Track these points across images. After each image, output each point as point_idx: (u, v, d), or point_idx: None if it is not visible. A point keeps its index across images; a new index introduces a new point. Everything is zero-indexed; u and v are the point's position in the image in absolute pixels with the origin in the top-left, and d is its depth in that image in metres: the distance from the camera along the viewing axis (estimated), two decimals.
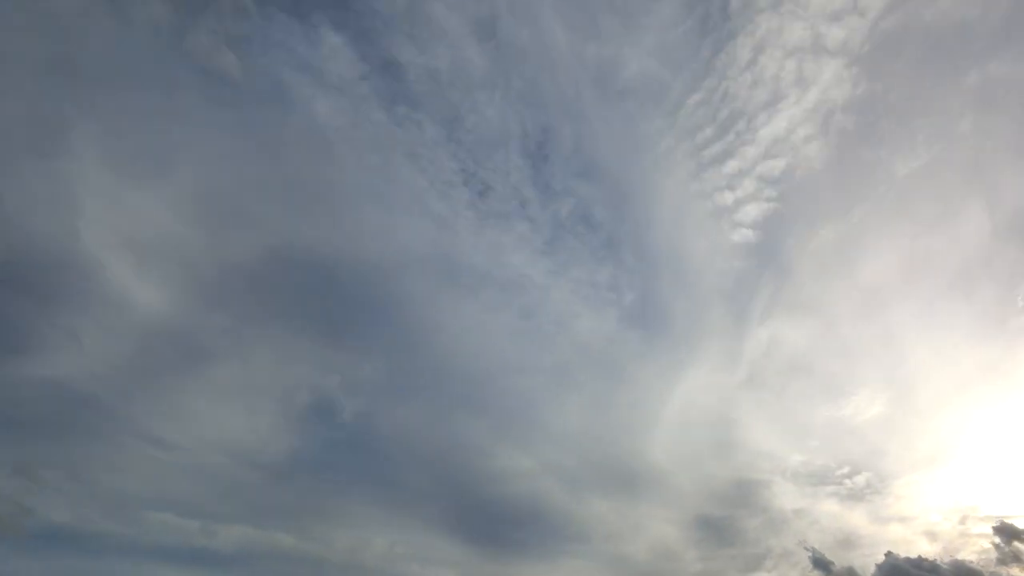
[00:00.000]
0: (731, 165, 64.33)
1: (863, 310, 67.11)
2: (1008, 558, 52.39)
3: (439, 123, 57.67)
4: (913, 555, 59.20)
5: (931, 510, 61.77)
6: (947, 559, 54.56)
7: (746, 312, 67.93)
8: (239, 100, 49.05)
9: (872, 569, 58.28)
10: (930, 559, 54.81)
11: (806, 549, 56.73)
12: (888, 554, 55.44)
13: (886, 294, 66.92)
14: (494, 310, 62.23)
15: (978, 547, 57.47)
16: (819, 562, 55.89)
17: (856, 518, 62.85)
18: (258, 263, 50.79)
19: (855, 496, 62.52)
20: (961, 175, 62.31)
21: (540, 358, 63.71)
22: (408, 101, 55.93)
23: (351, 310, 56.85)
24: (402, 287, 58.70)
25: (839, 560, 61.30)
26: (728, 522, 63.54)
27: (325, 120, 52.78)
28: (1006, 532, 53.43)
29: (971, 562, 53.84)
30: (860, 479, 62.58)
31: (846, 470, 62.90)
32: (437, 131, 57.66)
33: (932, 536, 60.29)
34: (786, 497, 63.50)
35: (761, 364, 67.10)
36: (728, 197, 65.26)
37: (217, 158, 48.94)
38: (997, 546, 53.36)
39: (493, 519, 58.21)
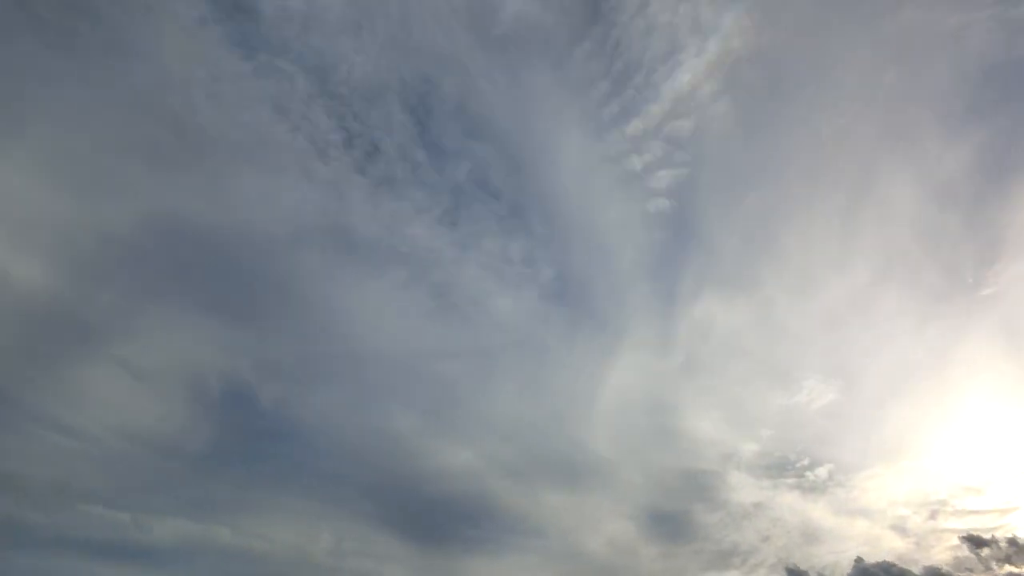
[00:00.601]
0: (635, 125, 58.98)
1: (798, 289, 64.82)
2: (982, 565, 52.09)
3: (309, 74, 50.95)
4: (883, 550, 58.53)
5: (898, 504, 60.77)
6: (921, 568, 54.10)
7: (673, 291, 65.16)
8: (86, 49, 43.03)
9: (841, 566, 57.61)
10: (900, 566, 54.52)
11: (788, 569, 55.83)
12: (858, 560, 54.97)
13: (819, 271, 64.87)
14: (403, 288, 57.31)
15: (951, 544, 56.76)
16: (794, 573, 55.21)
17: (819, 512, 61.11)
18: (137, 234, 45.67)
19: (817, 489, 61.14)
20: (887, 136, 59.16)
21: (459, 340, 59.45)
22: (268, 48, 49.25)
23: (247, 286, 51.51)
24: (298, 261, 53.80)
25: (805, 556, 59.18)
26: (685, 516, 61.98)
27: (179, 71, 46.66)
28: (973, 541, 53.15)
29: (945, 569, 53.46)
30: (822, 471, 61.05)
31: (806, 461, 61.47)
32: (308, 83, 50.94)
33: (902, 531, 59.27)
34: (744, 490, 61.86)
35: (697, 348, 64.86)
36: (636, 162, 60.41)
37: (70, 115, 43.05)
38: (977, 555, 52.84)
39: (438, 512, 55.66)
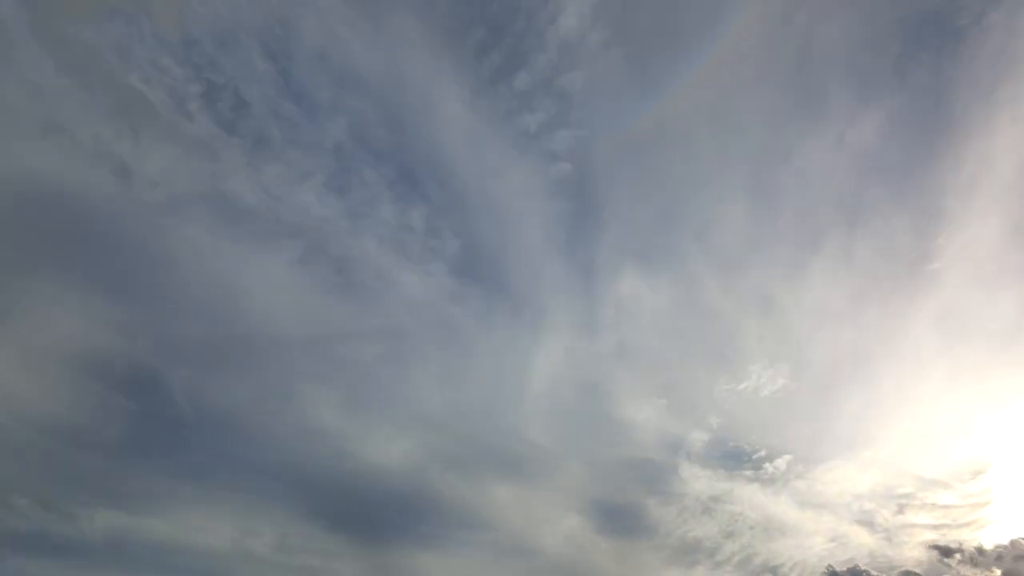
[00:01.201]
0: (522, 78, 53.00)
1: (723, 266, 61.41)
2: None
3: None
4: (852, 546, 56.32)
5: (862, 497, 58.55)
6: (896, 574, 52.53)
7: (590, 266, 60.02)
8: None
9: (809, 564, 55.94)
10: (872, 573, 53.02)
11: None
12: (828, 568, 53.84)
13: (743, 247, 61.14)
14: (300, 264, 52.03)
15: (923, 539, 55.12)
16: None
17: (782, 506, 58.34)
18: None
19: (777, 481, 58.58)
20: (796, 93, 54.64)
21: (370, 321, 54.56)
22: None
23: (127, 261, 46.15)
24: (178, 232, 48.02)
25: (772, 553, 56.97)
26: (638, 510, 59.16)
27: None
28: (942, 551, 52.22)
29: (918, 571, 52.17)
30: (780, 463, 58.46)
31: (763, 453, 58.77)
32: (151, 25, 43.52)
33: (870, 526, 57.23)
34: (699, 483, 59.14)
35: (626, 330, 60.49)
36: (529, 120, 54.30)
37: None
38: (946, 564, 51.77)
39: (381, 507, 52.58)
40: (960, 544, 52.00)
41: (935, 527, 55.69)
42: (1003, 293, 55.14)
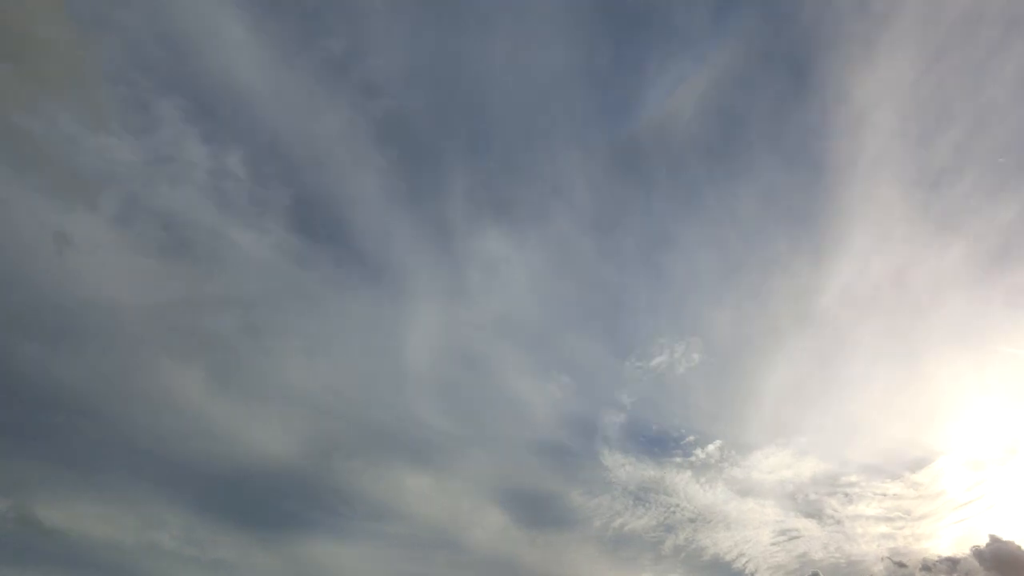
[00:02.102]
0: None
1: (595, 226, 56.54)
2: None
3: None
4: (804, 538, 53.24)
5: (806, 487, 55.42)
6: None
7: (444, 224, 52.29)
8: None
9: (755, 559, 52.98)
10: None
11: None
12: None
13: (615, 202, 56.90)
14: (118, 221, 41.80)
15: (881, 531, 52.75)
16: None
17: (720, 495, 54.60)
18: None
19: (710, 468, 55.17)
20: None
21: (210, 286, 44.81)
22: None
23: None
24: None
25: (719, 546, 53.32)
26: (560, 499, 54.87)
27: None
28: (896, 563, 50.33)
29: None
30: (712, 449, 55.24)
31: (691, 438, 55.41)
32: None
33: (818, 517, 54.40)
34: (624, 470, 55.24)
35: (500, 297, 54.86)
36: (331, 44, 44.83)
37: None
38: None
39: (280, 496, 47.35)
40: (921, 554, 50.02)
41: (888, 519, 53.24)
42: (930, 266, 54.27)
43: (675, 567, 52.38)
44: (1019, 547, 43.36)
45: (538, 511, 53.23)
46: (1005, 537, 45.70)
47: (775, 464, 54.35)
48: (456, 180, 51.81)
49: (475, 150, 52.31)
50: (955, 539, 50.80)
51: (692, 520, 53.52)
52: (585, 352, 56.85)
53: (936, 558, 48.86)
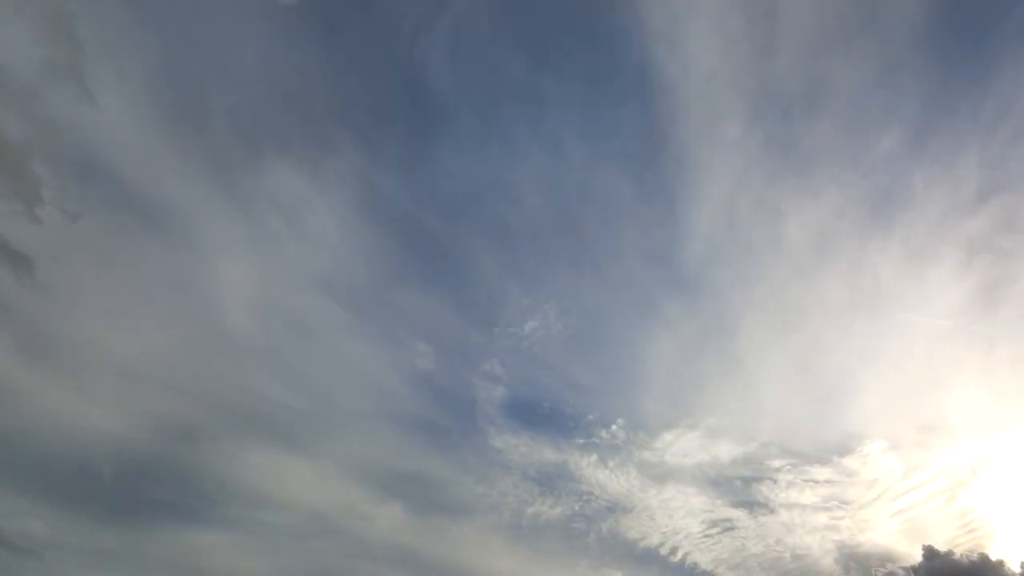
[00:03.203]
0: None
1: (401, 159, 49.58)
2: None
3: None
4: (741, 528, 49.25)
5: (728, 472, 51.29)
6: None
7: (215, 151, 42.21)
8: None
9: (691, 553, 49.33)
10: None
11: None
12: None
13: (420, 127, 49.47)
14: None
15: (817, 523, 48.68)
16: None
17: (635, 481, 49.05)
18: None
19: (620, 451, 50.99)
20: None
21: None
22: None
23: None
24: None
25: (643, 535, 49.72)
26: (453, 486, 50.63)
27: None
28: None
29: None
30: (617, 430, 51.01)
31: (591, 417, 51.16)
32: None
33: (749, 507, 50.52)
34: (519, 452, 50.77)
35: (296, 244, 46.51)
36: None
37: None
38: None
39: (135, 482, 41.57)
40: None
41: (825, 508, 49.40)
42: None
43: (606, 560, 49.40)
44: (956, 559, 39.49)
45: (428, 497, 49.51)
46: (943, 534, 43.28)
47: (688, 447, 50.51)
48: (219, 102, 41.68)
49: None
50: (897, 531, 47.71)
51: (611, 509, 50.13)
52: (433, 315, 51.30)
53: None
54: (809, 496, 49.29)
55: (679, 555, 48.87)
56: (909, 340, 50.32)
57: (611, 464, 49.93)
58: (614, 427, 50.19)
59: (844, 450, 48.95)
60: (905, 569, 41.76)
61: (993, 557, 42.30)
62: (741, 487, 50.19)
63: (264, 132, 43.51)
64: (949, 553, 38.96)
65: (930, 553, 39.04)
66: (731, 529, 49.46)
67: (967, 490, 47.52)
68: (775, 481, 49.10)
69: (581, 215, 52.84)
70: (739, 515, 49.78)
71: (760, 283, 52.09)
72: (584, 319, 51.60)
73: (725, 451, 49.98)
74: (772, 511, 49.26)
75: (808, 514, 49.05)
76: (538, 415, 51.19)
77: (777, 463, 49.29)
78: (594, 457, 50.07)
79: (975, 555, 39.90)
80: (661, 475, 50.09)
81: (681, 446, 50.23)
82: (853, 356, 51.59)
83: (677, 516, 50.08)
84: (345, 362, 48.65)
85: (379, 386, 49.47)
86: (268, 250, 45.20)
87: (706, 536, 49.37)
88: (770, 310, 52.41)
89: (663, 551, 49.00)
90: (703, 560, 48.76)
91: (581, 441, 50.47)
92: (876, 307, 50.57)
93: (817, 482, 48.78)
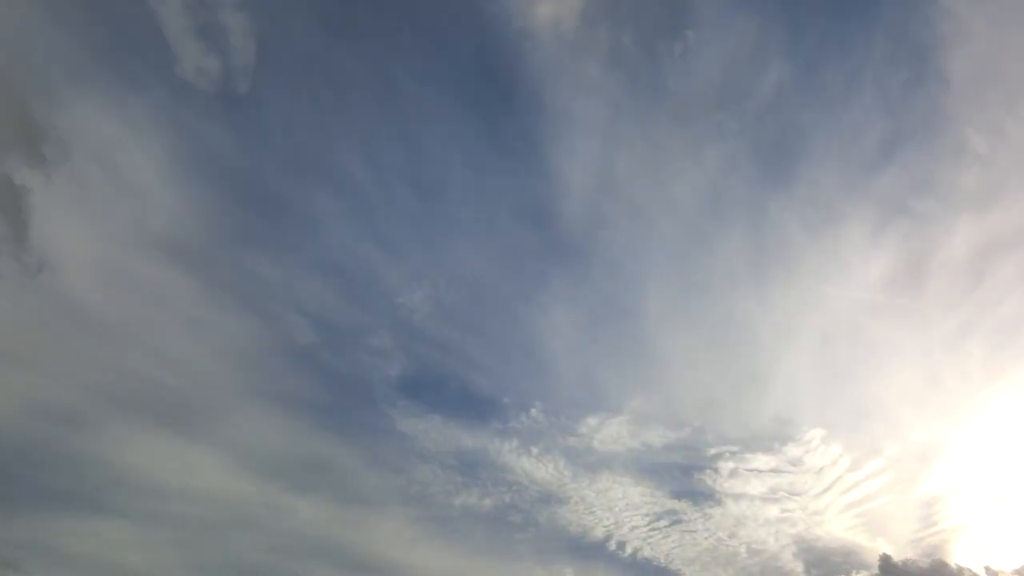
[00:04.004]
0: None
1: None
2: None
3: None
4: (687, 520, 46.07)
5: (664, 458, 47.49)
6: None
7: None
8: None
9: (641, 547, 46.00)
10: None
11: None
12: None
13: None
14: None
15: (768, 515, 45.62)
16: None
17: (564, 470, 46.07)
18: None
19: (541, 437, 46.76)
20: None
21: None
22: None
23: None
24: None
25: (585, 530, 46.24)
26: (362, 473, 46.43)
27: None
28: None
29: None
30: (536, 414, 46.76)
31: (506, 400, 47.11)
32: None
33: (692, 496, 46.85)
34: (430, 438, 46.19)
35: (137, 198, 38.95)
36: None
37: None
38: None
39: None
40: None
41: (775, 500, 46.09)
42: None
43: (554, 556, 45.89)
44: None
45: (345, 489, 45.81)
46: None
47: (615, 433, 46.55)
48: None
49: None
50: (856, 525, 44.79)
51: (544, 501, 46.26)
52: (297, 283, 44.79)
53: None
54: (756, 486, 46.14)
55: (628, 550, 45.68)
56: (831, 316, 46.94)
57: (535, 451, 45.99)
58: (533, 411, 46.09)
59: (782, 437, 45.79)
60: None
61: (957, 553, 40.68)
62: (680, 476, 46.92)
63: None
64: (906, 563, 35.74)
65: (886, 564, 35.52)
66: (678, 522, 46.34)
67: (922, 481, 45.34)
68: (716, 470, 45.78)
69: (434, 170, 46.78)
70: (683, 507, 46.50)
71: (654, 250, 47.97)
72: (469, 291, 47.19)
73: (656, 437, 46.33)
74: (718, 502, 46.15)
75: (758, 506, 46.04)
76: (446, 397, 47.14)
77: (713, 451, 45.91)
78: (515, 443, 46.07)
79: (933, 559, 37.04)
80: (592, 464, 46.43)
81: (608, 432, 46.40)
82: (771, 333, 48.16)
83: (618, 508, 46.49)
84: (209, 335, 42.06)
85: (257, 363, 43.61)
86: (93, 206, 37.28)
87: (653, 529, 46.20)
88: (671, 281, 48.20)
89: (611, 546, 45.81)
90: (654, 555, 45.70)
91: (498, 426, 46.45)
92: (790, 278, 46.39)
93: (761, 471, 45.56)
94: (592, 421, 46.59)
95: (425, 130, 45.74)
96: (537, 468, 45.41)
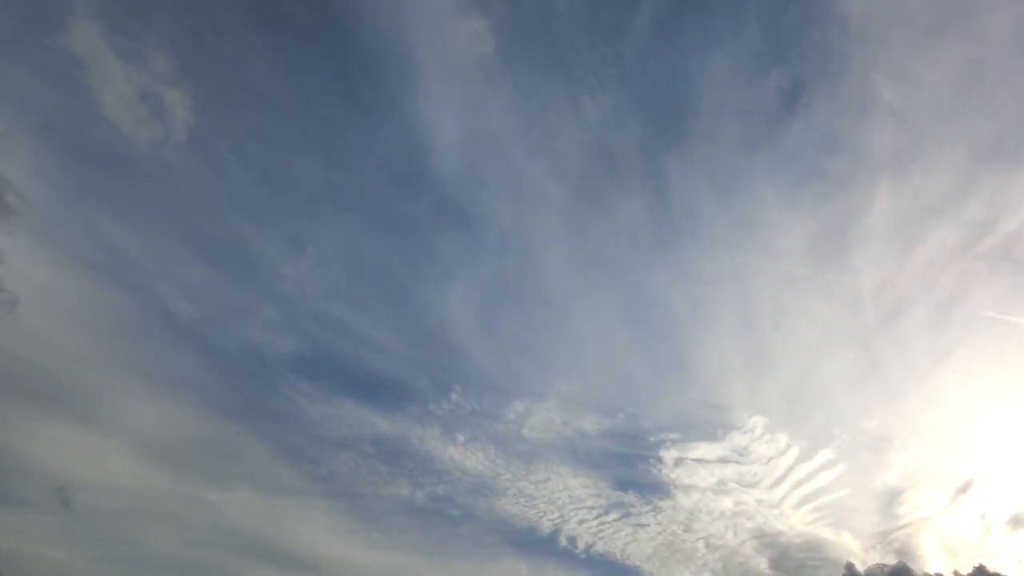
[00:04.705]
0: None
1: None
2: None
3: None
4: (637, 513, 42.58)
5: (592, 440, 44.31)
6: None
7: None
8: None
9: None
10: None
11: None
12: None
13: None
14: None
15: (723, 507, 42.49)
16: None
17: (497, 459, 44.41)
18: None
19: (463, 423, 43.65)
20: None
21: None
22: None
23: None
24: None
25: (532, 525, 42.99)
26: (282, 467, 44.10)
27: None
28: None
29: None
30: (458, 399, 44.00)
31: (423, 383, 44.10)
32: None
33: (640, 488, 43.49)
34: (345, 424, 43.61)
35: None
36: None
37: None
38: None
39: None
40: None
41: (726, 492, 42.91)
42: None
43: (498, 550, 43.79)
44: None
45: (261, 479, 43.30)
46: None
47: (545, 420, 43.88)
48: None
49: None
50: (817, 519, 42.31)
51: (479, 492, 43.38)
52: (157, 248, 40.73)
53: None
54: (705, 478, 43.02)
55: (580, 545, 42.55)
56: (752, 291, 43.20)
57: (461, 439, 43.08)
58: (453, 395, 43.24)
59: (723, 425, 43.04)
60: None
61: (924, 548, 38.72)
62: (622, 467, 43.78)
63: None
64: (870, 571, 32.48)
65: (851, 573, 32.35)
66: (628, 515, 42.98)
67: (878, 473, 42.97)
68: (659, 459, 42.59)
69: (282, 128, 42.17)
70: (631, 499, 43.25)
71: (545, 216, 43.48)
72: (351, 262, 43.70)
73: (588, 424, 43.65)
74: (668, 494, 43.13)
75: (709, 498, 43.01)
76: (351, 379, 44.34)
77: (652, 438, 42.87)
78: (437, 430, 43.18)
79: (895, 565, 34.74)
80: (525, 453, 43.43)
81: (538, 419, 43.67)
82: (687, 310, 44.39)
83: (561, 501, 42.94)
84: (66, 305, 38.59)
85: (131, 336, 39.59)
86: None
87: (603, 523, 42.89)
88: (568, 253, 43.90)
89: (562, 542, 42.67)
90: (608, 550, 42.46)
91: (416, 410, 43.64)
92: (700, 246, 42.20)
93: (708, 461, 42.55)
94: (519, 406, 43.71)
95: (266, 82, 39.81)
96: (467, 457, 42.50)
